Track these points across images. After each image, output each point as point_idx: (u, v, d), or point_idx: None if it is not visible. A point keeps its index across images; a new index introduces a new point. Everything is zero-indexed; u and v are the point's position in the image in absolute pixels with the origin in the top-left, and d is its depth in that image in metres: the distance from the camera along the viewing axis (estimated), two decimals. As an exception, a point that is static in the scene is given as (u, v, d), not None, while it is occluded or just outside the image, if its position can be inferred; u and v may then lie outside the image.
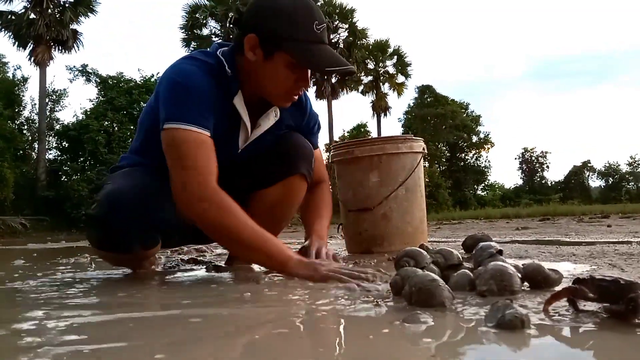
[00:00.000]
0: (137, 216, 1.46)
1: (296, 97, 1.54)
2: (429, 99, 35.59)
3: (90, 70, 22.98)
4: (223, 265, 1.96)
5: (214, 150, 1.43)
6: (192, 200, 1.39)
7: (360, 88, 28.25)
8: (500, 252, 1.27)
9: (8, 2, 19.69)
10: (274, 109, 1.62)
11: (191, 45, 23.11)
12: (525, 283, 1.12)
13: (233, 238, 1.39)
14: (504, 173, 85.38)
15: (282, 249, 1.37)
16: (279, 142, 1.68)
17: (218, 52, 1.54)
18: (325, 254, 1.52)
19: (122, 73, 22.44)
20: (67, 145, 21.36)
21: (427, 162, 30.98)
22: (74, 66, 23.25)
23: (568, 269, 1.46)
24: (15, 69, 23.06)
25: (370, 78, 28.42)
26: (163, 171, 1.45)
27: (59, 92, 24.12)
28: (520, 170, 39.91)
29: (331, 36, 25.29)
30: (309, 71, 1.49)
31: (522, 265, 1.16)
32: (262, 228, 1.38)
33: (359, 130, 30.34)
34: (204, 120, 1.41)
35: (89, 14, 20.92)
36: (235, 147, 1.63)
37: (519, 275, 1.09)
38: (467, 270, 1.17)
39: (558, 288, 1.04)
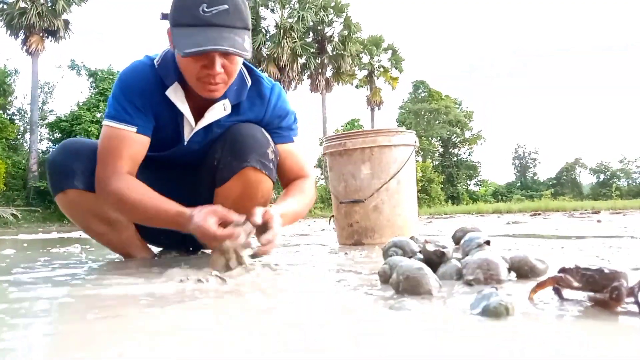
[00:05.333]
0: (76, 154, 1.67)
1: (215, 86, 1.46)
2: (422, 94, 35.64)
3: (78, 64, 22.83)
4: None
5: (140, 143, 1.57)
6: (101, 187, 1.55)
7: (355, 82, 28.23)
8: (487, 242, 1.27)
9: (-1, -10, 19.50)
10: (224, 102, 1.60)
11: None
12: (512, 273, 1.13)
13: (134, 215, 1.59)
14: (498, 169, 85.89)
15: (178, 208, 1.45)
16: (228, 133, 1.63)
17: (165, 49, 1.60)
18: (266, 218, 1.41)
19: (110, 65, 22.29)
20: (59, 136, 21.17)
21: (420, 157, 31.10)
22: (60, 66, 23.21)
23: (556, 261, 1.48)
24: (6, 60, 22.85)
25: (364, 72, 28.41)
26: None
27: (50, 83, 24.01)
28: (514, 166, 40.11)
29: (326, 30, 25.25)
30: (217, 56, 1.39)
31: (510, 256, 1.17)
32: (157, 196, 1.49)
33: (353, 125, 30.33)
34: (130, 118, 1.55)
35: (82, 3, 20.69)
36: (181, 139, 1.64)
37: (506, 265, 1.09)
38: (455, 260, 1.17)
39: (544, 278, 1.05)
